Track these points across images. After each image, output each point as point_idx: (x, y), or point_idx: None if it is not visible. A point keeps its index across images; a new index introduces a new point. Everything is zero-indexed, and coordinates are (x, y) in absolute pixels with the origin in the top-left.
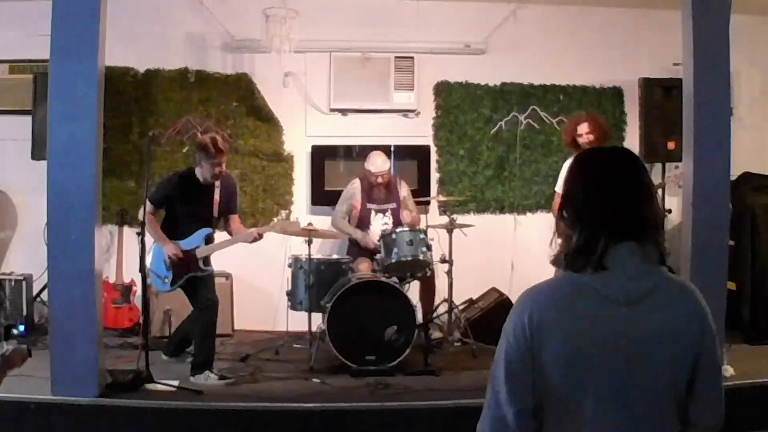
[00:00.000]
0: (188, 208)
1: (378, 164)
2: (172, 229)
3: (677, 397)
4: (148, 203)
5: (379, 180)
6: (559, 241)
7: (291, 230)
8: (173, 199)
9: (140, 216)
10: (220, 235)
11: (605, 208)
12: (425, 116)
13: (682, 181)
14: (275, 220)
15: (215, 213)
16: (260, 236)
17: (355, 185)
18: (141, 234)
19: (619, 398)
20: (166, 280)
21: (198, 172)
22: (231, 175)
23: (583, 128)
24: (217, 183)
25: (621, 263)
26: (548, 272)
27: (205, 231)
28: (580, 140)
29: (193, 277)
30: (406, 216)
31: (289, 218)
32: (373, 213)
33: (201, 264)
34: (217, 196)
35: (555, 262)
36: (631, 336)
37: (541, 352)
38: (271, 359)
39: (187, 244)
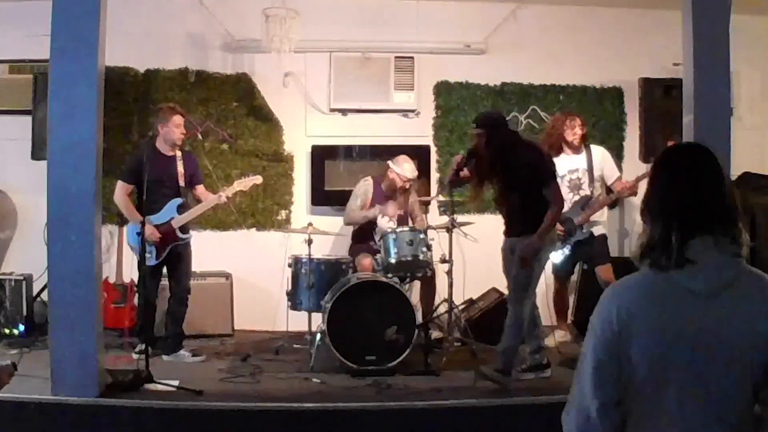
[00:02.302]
0: (155, 179)
1: (410, 170)
2: (146, 206)
3: (753, 388)
4: (120, 183)
5: (407, 185)
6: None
7: (251, 184)
8: (139, 172)
9: (115, 199)
10: None
11: (679, 202)
12: (425, 116)
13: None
14: (239, 180)
15: (182, 183)
16: (228, 199)
17: (368, 182)
18: (141, 234)
19: (698, 391)
20: (150, 255)
21: (160, 143)
22: (191, 152)
23: (577, 122)
24: (179, 155)
25: (702, 256)
26: (547, 272)
27: (176, 201)
28: (571, 136)
29: (175, 248)
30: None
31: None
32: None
33: (179, 233)
34: (181, 168)
35: (636, 257)
36: (712, 329)
37: (629, 347)
38: (271, 359)
39: (161, 217)
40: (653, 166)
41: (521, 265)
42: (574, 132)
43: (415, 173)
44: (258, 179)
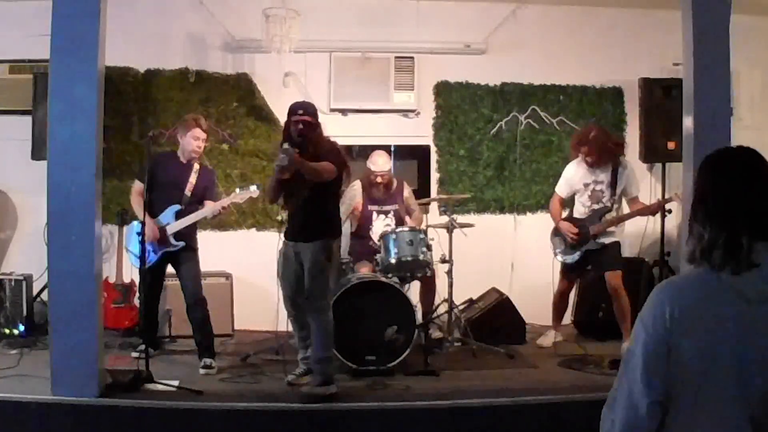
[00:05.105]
0: (163, 182)
1: (379, 164)
2: (147, 206)
3: None
4: (136, 182)
5: (378, 179)
6: (691, 239)
7: (247, 197)
8: (151, 172)
9: (131, 196)
10: None
11: (746, 206)
12: (425, 116)
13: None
14: (236, 191)
15: (188, 192)
16: (225, 209)
17: (356, 187)
18: (141, 234)
19: (737, 394)
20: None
21: (179, 151)
22: (212, 169)
23: (584, 150)
24: (196, 167)
25: (765, 260)
26: (547, 272)
27: (174, 208)
28: (581, 157)
29: (170, 254)
30: (409, 222)
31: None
32: (374, 214)
33: (172, 240)
34: (193, 179)
35: (691, 259)
36: (757, 334)
37: (678, 346)
38: (271, 359)
39: (158, 220)
40: (705, 169)
41: (279, 174)
42: (585, 158)
43: (387, 165)
44: (255, 193)
